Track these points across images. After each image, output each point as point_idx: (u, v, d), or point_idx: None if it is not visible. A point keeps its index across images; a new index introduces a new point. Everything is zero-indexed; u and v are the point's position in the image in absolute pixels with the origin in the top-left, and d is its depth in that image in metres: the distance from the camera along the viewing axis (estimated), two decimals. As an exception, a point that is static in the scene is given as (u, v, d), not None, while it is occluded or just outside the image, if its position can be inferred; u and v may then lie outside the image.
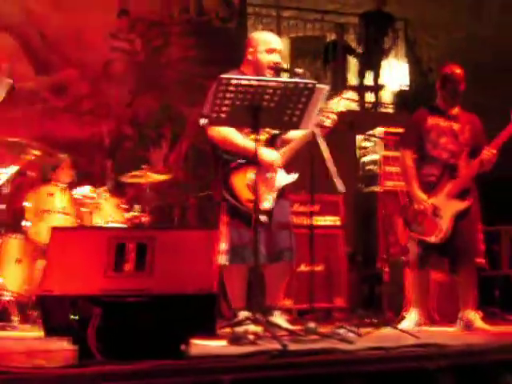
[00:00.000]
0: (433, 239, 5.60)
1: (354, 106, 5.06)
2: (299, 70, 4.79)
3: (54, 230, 3.38)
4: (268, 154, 4.95)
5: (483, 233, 5.81)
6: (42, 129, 8.45)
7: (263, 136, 4.91)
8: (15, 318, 6.02)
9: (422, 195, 5.64)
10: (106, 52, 9.21)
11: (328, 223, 7.18)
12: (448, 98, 5.77)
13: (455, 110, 5.80)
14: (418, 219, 5.65)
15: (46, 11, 8.79)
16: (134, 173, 7.02)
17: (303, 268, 6.61)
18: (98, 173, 7.64)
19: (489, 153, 5.54)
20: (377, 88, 11.63)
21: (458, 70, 5.74)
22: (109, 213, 6.60)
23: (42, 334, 4.94)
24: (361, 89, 11.58)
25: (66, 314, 3.06)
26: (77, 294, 3.08)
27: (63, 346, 3.68)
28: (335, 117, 4.97)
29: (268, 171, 4.95)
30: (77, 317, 3.04)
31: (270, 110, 4.32)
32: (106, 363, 2.94)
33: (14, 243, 6.40)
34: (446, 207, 5.60)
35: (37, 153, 6.32)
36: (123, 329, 3.13)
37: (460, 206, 5.62)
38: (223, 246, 4.85)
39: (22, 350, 3.80)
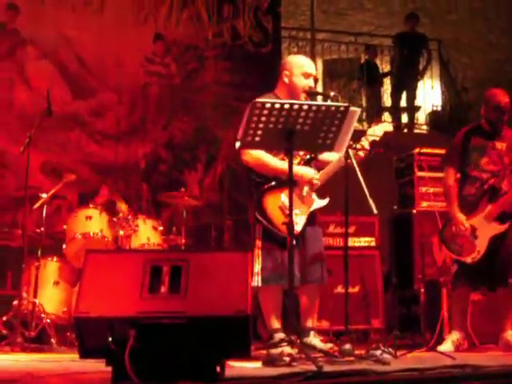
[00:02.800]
0: (469, 260, 5.58)
1: (390, 129, 5.07)
2: (332, 93, 4.82)
3: (89, 252, 3.42)
4: (305, 170, 5.01)
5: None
6: (81, 153, 8.58)
7: (296, 160, 4.95)
8: (53, 340, 6.08)
9: (461, 216, 5.62)
10: (143, 76, 9.34)
11: (363, 244, 7.18)
12: (494, 124, 5.74)
13: (500, 130, 5.77)
14: (456, 240, 5.63)
15: (83, 36, 8.95)
16: (171, 193, 7.10)
17: (340, 289, 6.62)
18: (134, 196, 7.71)
19: None
20: (412, 109, 11.63)
21: (506, 101, 5.70)
22: (146, 235, 6.65)
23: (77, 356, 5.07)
24: (396, 110, 11.60)
25: (101, 336, 3.09)
26: (113, 315, 3.12)
27: (98, 368, 3.75)
28: (375, 138, 5.03)
29: (303, 188, 4.98)
30: (113, 338, 3.07)
31: (303, 133, 4.35)
32: (142, 385, 2.97)
33: (52, 266, 6.51)
34: (484, 229, 5.59)
35: (73, 177, 6.42)
36: (158, 351, 3.16)
37: (498, 229, 5.60)
38: (257, 267, 4.88)
39: (59, 372, 3.84)
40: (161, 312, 3.14)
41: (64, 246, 6.51)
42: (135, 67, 9.26)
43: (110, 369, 3.26)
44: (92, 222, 6.54)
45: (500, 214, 5.62)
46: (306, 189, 5.03)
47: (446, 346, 5.55)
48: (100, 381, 3.19)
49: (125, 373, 3.05)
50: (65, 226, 6.63)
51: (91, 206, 6.73)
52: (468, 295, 5.86)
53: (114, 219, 6.63)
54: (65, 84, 8.89)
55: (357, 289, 6.94)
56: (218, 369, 3.27)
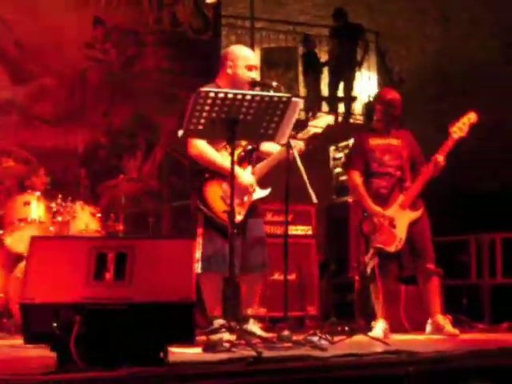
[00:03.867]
0: (393, 249, 5.79)
1: (331, 121, 5.19)
2: (274, 83, 4.89)
3: (34, 238, 3.43)
4: (244, 177, 5.07)
5: (452, 243, 6.00)
6: (17, 138, 8.48)
7: (238, 150, 5.01)
8: (-11, 327, 6.04)
9: (377, 208, 5.83)
10: (82, 61, 9.25)
11: (300, 233, 7.28)
12: (389, 121, 6.02)
13: (393, 128, 6.05)
14: (377, 231, 5.81)
15: (21, 20, 8.79)
16: (109, 182, 7.06)
17: (276, 277, 6.71)
18: (72, 181, 7.67)
19: (440, 158, 5.77)
20: (349, 99, 11.77)
21: (398, 96, 6.04)
22: (84, 221, 6.62)
23: (18, 341, 5.05)
24: (333, 100, 11.73)
25: (47, 322, 3.11)
26: (58, 301, 3.14)
27: (40, 354, 3.76)
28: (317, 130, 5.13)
29: (243, 187, 5.04)
30: (58, 324, 3.09)
31: (246, 123, 4.41)
32: (87, 370, 2.99)
33: (-13, 252, 6.44)
34: (401, 217, 5.82)
35: (12, 162, 6.37)
36: (104, 336, 3.20)
37: (413, 215, 5.87)
38: (198, 254, 4.94)
39: (4, 357, 3.85)
40: (106, 298, 3.18)
41: (1, 232, 6.44)
42: (74, 52, 9.16)
43: (53, 354, 3.29)
44: (30, 208, 6.48)
45: (412, 201, 5.86)
46: (245, 198, 5.11)
47: (377, 333, 5.69)
48: (44, 366, 3.20)
49: (69, 358, 3.08)
50: (1, 212, 6.56)
51: (28, 191, 6.67)
52: (394, 284, 6.06)
53: (52, 205, 6.59)
54: (2, 69, 8.75)
55: (293, 276, 7.04)
56: (162, 354, 3.32)
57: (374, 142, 5.98)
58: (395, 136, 6.02)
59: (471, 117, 5.86)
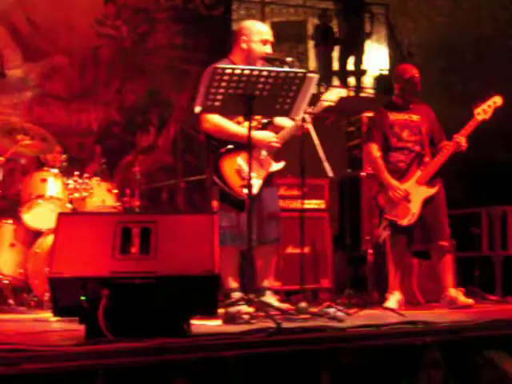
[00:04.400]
0: (405, 222, 5.87)
1: (344, 94, 5.24)
2: (289, 59, 4.94)
3: (61, 215, 3.51)
4: (262, 134, 5.14)
5: (464, 215, 6.07)
6: (32, 115, 8.54)
7: (253, 124, 5.06)
8: (11, 302, 6.12)
9: (394, 181, 5.90)
10: (94, 38, 9.29)
11: (313, 206, 7.33)
12: (408, 98, 6.07)
13: (412, 103, 6.10)
14: (391, 203, 5.88)
15: (34, -2, 8.86)
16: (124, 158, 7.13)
17: (290, 250, 6.79)
18: (88, 158, 7.73)
19: (459, 139, 5.82)
20: (359, 73, 11.77)
21: (417, 73, 6.06)
22: (101, 197, 6.67)
23: (40, 315, 5.15)
24: (343, 74, 11.73)
25: (75, 296, 3.20)
26: (86, 275, 3.23)
27: (67, 327, 3.86)
28: (331, 104, 5.17)
29: (261, 152, 5.10)
30: (86, 298, 3.18)
31: (262, 99, 4.48)
32: (114, 341, 3.08)
33: (7, 228, 6.49)
34: (417, 192, 5.88)
35: (29, 139, 6.43)
36: (130, 309, 3.29)
37: (429, 191, 5.92)
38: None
39: (32, 331, 3.94)
40: (132, 272, 3.26)
41: (19, 208, 6.51)
42: (86, 29, 9.20)
43: (77, 327, 3.39)
44: (47, 185, 6.52)
45: (429, 177, 5.92)
46: (263, 152, 5.17)
47: (391, 304, 5.77)
48: (73, 338, 3.29)
49: (97, 330, 3.17)
50: (19, 189, 6.62)
51: (45, 168, 6.73)
52: (406, 256, 6.14)
53: (69, 182, 6.64)
54: (15, 46, 8.80)
55: (307, 250, 7.10)
56: (185, 326, 3.41)
57: (394, 117, 6.03)
58: (415, 111, 6.06)
59: (497, 100, 5.88)
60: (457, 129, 5.92)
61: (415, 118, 6.04)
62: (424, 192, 5.90)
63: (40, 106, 8.74)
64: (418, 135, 6.00)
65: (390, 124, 6.02)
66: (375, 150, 6.02)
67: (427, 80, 6.18)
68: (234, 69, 4.36)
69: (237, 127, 5.07)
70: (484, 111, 5.84)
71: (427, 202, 5.90)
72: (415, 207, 5.86)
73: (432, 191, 5.92)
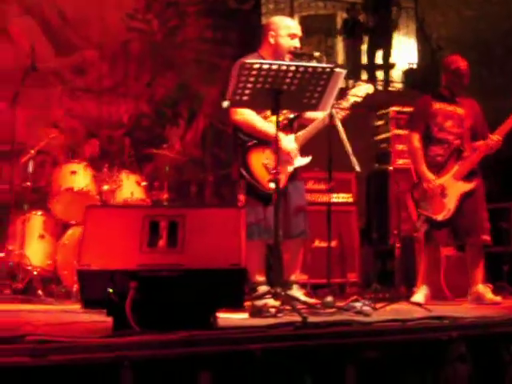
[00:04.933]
0: (440, 217, 5.83)
1: (372, 91, 5.22)
2: (317, 53, 4.95)
3: (89, 207, 3.55)
4: (286, 143, 5.14)
5: (492, 210, 6.03)
6: (63, 109, 8.62)
7: (280, 118, 5.08)
8: (40, 292, 6.19)
9: (430, 175, 5.86)
10: (124, 32, 9.35)
11: (341, 200, 7.34)
12: (454, 89, 6.03)
13: (459, 96, 6.05)
14: (427, 198, 5.86)
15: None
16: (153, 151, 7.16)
17: (317, 244, 6.82)
18: (117, 150, 7.79)
19: (495, 139, 5.79)
20: (387, 66, 11.74)
21: (465, 65, 6.00)
22: (130, 190, 6.72)
23: (69, 307, 5.21)
24: (371, 67, 11.70)
25: (103, 288, 3.24)
26: (114, 268, 3.27)
27: (95, 318, 3.90)
28: (358, 99, 5.17)
29: (285, 154, 5.12)
30: (114, 290, 3.22)
31: (289, 93, 4.49)
32: (142, 333, 3.12)
33: (37, 220, 6.59)
34: (453, 188, 5.85)
35: (58, 132, 6.50)
36: (157, 301, 3.32)
37: (466, 187, 5.88)
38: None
39: (60, 322, 3.99)
40: (160, 265, 3.29)
41: (49, 200, 6.58)
42: (117, 23, 9.26)
43: (105, 319, 3.43)
44: (76, 177, 6.57)
45: (467, 172, 5.89)
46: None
47: (419, 298, 5.76)
48: (101, 329, 3.34)
49: (124, 322, 3.20)
50: (50, 181, 6.69)
51: (76, 160, 6.80)
52: (438, 252, 6.11)
53: (99, 174, 6.70)
54: (47, 40, 8.88)
55: (334, 243, 7.11)
56: (212, 319, 3.45)
57: (438, 106, 5.98)
58: (460, 104, 6.01)
59: None
60: (491, 123, 5.88)
61: (460, 110, 5.98)
62: (461, 187, 5.86)
63: (71, 100, 8.81)
64: (460, 128, 5.95)
65: (433, 113, 5.97)
66: (416, 141, 5.97)
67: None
68: (261, 64, 4.37)
69: (264, 124, 5.08)
70: None
71: (465, 198, 5.86)
72: (451, 202, 5.82)
73: (469, 186, 5.88)
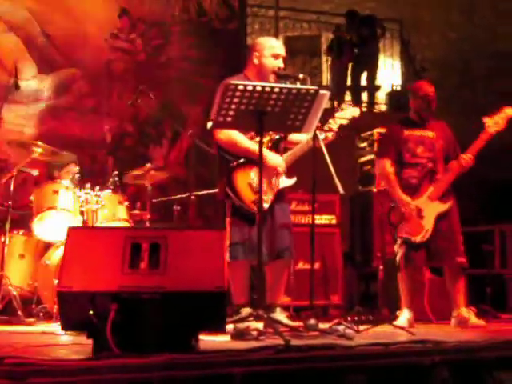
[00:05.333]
0: (418, 239, 5.82)
1: (357, 114, 5.24)
2: (301, 75, 4.94)
3: (71, 229, 3.52)
4: (273, 158, 5.13)
5: (476, 233, 6.03)
6: (45, 127, 8.58)
7: (265, 139, 5.08)
8: (20, 313, 6.11)
9: (406, 198, 5.87)
10: (107, 52, 9.33)
11: (324, 222, 7.33)
12: (423, 115, 6.04)
13: (428, 120, 6.07)
14: (404, 220, 5.85)
15: (48, 10, 8.89)
16: (136, 171, 7.10)
17: (301, 266, 6.79)
18: (100, 170, 7.75)
19: (467, 158, 5.81)
20: (372, 88, 11.78)
21: (433, 91, 6.03)
22: (112, 210, 6.68)
23: (48, 328, 5.16)
24: (356, 89, 11.74)
25: (83, 310, 3.20)
26: (95, 290, 3.23)
27: (74, 340, 3.86)
28: (344, 122, 5.19)
29: (271, 174, 5.11)
30: (95, 312, 3.18)
31: (273, 115, 4.48)
32: (123, 356, 3.08)
33: (17, 239, 6.54)
34: (429, 208, 5.85)
35: (41, 151, 6.44)
36: (138, 324, 3.29)
37: (442, 207, 5.88)
38: (226, 242, 4.99)
39: (39, 344, 3.94)
40: (141, 287, 3.26)
41: (30, 220, 6.52)
42: (100, 42, 9.25)
43: (85, 341, 3.38)
44: (58, 197, 6.52)
45: (441, 193, 5.89)
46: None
47: (402, 322, 5.74)
48: (81, 352, 3.30)
49: (105, 345, 3.17)
50: (31, 198, 6.62)
51: (57, 180, 6.74)
52: (419, 275, 6.11)
53: (81, 194, 6.65)
54: (30, 58, 8.86)
55: (317, 265, 7.09)
56: (193, 342, 3.41)
57: (409, 132, 6.00)
58: (430, 128, 6.02)
59: (508, 111, 5.85)
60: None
61: (430, 134, 6.00)
62: (437, 208, 5.86)
63: (53, 118, 8.78)
64: (432, 152, 5.96)
65: (404, 139, 5.98)
66: (388, 166, 5.99)
67: (440, 95, 6.17)
68: (245, 85, 4.36)
69: (249, 143, 5.07)
70: (496, 123, 5.80)
71: (440, 218, 5.86)
72: (428, 223, 5.82)
73: (445, 207, 5.88)
